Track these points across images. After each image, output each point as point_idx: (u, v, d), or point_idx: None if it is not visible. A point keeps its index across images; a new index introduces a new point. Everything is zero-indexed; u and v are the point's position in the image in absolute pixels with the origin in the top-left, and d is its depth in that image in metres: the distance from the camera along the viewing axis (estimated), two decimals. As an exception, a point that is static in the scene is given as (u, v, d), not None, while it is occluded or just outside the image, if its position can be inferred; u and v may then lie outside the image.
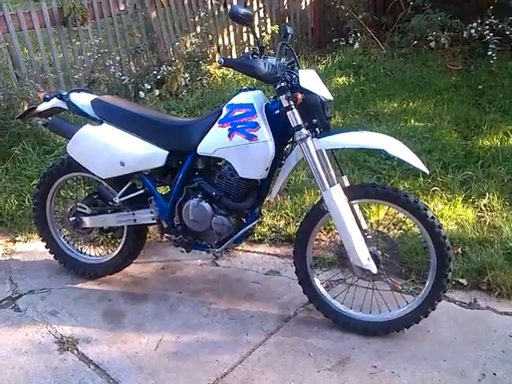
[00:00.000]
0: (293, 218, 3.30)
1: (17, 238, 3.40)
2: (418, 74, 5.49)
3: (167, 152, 2.52)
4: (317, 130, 2.28)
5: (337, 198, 2.25)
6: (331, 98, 2.33)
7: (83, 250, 2.99)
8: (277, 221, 3.30)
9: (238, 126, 2.33)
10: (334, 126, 4.21)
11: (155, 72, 5.14)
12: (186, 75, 5.16)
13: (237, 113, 2.34)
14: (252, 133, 2.31)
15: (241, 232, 2.50)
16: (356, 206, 2.40)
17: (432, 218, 2.27)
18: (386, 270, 2.40)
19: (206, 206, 2.48)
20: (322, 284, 2.52)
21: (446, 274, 2.29)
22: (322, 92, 2.28)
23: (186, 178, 2.53)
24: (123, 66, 5.16)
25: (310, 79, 2.28)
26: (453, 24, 5.83)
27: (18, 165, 3.94)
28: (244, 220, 2.55)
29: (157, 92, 4.98)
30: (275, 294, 2.73)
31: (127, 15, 5.16)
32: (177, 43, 5.37)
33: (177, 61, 5.10)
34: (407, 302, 2.40)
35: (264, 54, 2.28)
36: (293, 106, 2.24)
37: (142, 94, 4.95)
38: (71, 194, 3.06)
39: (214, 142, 2.40)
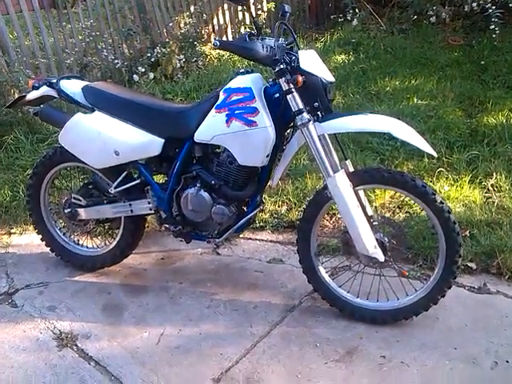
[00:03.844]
0: (295, 204, 3.21)
1: (12, 231, 3.32)
2: (418, 51, 5.34)
3: (163, 140, 2.42)
4: (318, 113, 2.19)
5: (341, 184, 2.16)
6: (333, 79, 2.22)
7: (80, 242, 2.91)
8: (278, 206, 3.21)
9: (236, 112, 2.23)
10: (335, 107, 4.09)
11: (149, 54, 5.00)
12: (181, 57, 5.02)
13: (234, 97, 2.24)
14: (251, 118, 2.21)
15: (242, 221, 2.42)
16: (361, 192, 2.32)
17: (441, 202, 2.18)
18: (392, 257, 2.32)
19: (205, 195, 2.39)
20: (327, 272, 2.44)
21: (456, 260, 2.21)
22: (324, 74, 2.18)
23: (184, 166, 2.44)
24: (116, 49, 5.01)
25: (310, 60, 2.17)
26: (453, -3, 5.66)
27: (10, 154, 3.84)
28: (245, 209, 2.46)
29: (151, 75, 4.84)
30: (279, 282, 2.66)
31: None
32: (170, 24, 5.21)
33: (171, 42, 4.95)
34: (416, 290, 2.32)
35: (261, 35, 2.17)
36: (293, 90, 2.14)
37: (136, 77, 4.82)
38: (66, 184, 2.96)
39: (212, 128, 2.30)
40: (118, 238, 2.75)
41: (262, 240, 3.03)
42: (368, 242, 2.18)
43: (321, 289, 2.41)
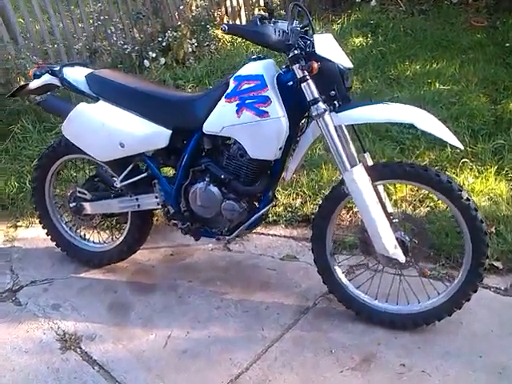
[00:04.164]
0: (310, 196, 3.06)
1: (18, 224, 3.23)
2: (440, 32, 5.10)
3: (170, 131, 2.28)
4: (335, 102, 2.03)
5: (359, 179, 2.01)
6: (351, 65, 2.06)
7: (87, 237, 2.80)
8: (292, 199, 3.07)
9: (247, 101, 2.08)
10: (352, 94, 3.92)
11: (160, 39, 4.84)
12: (193, 41, 4.86)
13: (245, 86, 2.09)
14: (263, 108, 2.06)
15: (253, 218, 2.28)
16: (380, 187, 2.17)
17: (467, 199, 2.02)
18: (414, 257, 2.17)
19: (215, 190, 2.26)
20: (343, 273, 2.30)
21: (483, 261, 2.05)
22: (341, 59, 2.02)
23: (192, 159, 2.30)
24: (126, 34, 4.87)
25: (326, 45, 2.01)
26: (477, -25, 5.40)
27: (17, 144, 3.73)
28: (257, 204, 2.33)
29: (162, 60, 4.69)
30: (292, 281, 2.53)
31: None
32: (181, 6, 5.03)
33: (182, 26, 4.78)
34: (438, 293, 2.17)
35: (274, 19, 2.01)
36: (308, 77, 1.98)
37: (146, 62, 4.67)
38: (72, 176, 2.85)
39: (221, 119, 2.16)
40: (124, 234, 2.63)
41: (275, 235, 2.90)
42: (388, 241, 2.04)
43: (337, 290, 2.28)
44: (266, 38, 1.93)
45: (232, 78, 2.14)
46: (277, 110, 2.05)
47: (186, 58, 4.78)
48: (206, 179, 2.27)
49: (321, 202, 2.26)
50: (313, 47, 1.99)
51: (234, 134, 2.16)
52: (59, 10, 4.51)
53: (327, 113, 2.00)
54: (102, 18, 4.60)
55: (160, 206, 2.43)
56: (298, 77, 2.00)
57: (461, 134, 3.35)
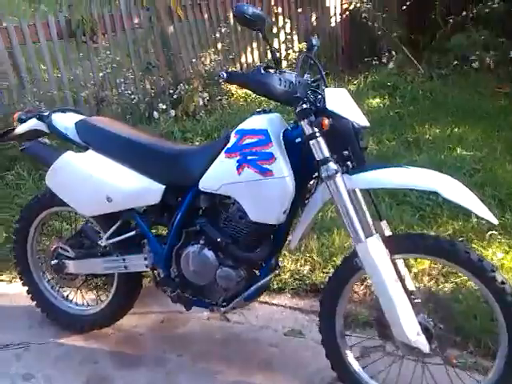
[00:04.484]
0: (319, 264, 2.77)
1: (1, 277, 2.96)
2: (461, 97, 4.96)
3: (163, 186, 2.05)
4: (348, 163, 1.79)
5: (375, 252, 1.74)
6: (367, 124, 1.83)
7: (69, 298, 2.52)
8: (300, 266, 2.77)
9: (249, 158, 1.85)
10: (368, 155, 3.70)
11: (171, 91, 4.72)
12: (205, 95, 4.73)
13: (248, 140, 1.87)
14: (266, 166, 1.82)
15: (252, 288, 2.00)
16: (400, 262, 1.88)
17: (502, 283, 1.72)
18: (439, 345, 1.85)
19: (210, 254, 1.99)
20: (356, 359, 1.98)
21: (522, 358, 1.73)
22: (356, 116, 1.79)
23: (186, 218, 2.05)
24: (137, 85, 4.76)
25: (339, 100, 1.79)
26: (497, 43, 5.30)
27: (9, 191, 3.53)
28: (257, 273, 2.05)
29: (172, 112, 4.55)
30: (297, 362, 2.20)
31: (142, 30, 4.77)
32: (195, 60, 4.95)
33: (194, 79, 4.66)
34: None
35: (280, 69, 1.80)
36: (318, 134, 1.75)
37: (156, 114, 4.53)
38: (56, 231, 2.61)
39: (220, 175, 1.92)
40: (110, 297, 2.35)
41: (280, 305, 2.58)
42: (409, 327, 1.73)
43: (348, 380, 1.95)
44: (269, 87, 1.71)
45: (233, 132, 1.93)
46: (281, 168, 1.81)
47: (196, 111, 4.64)
48: (201, 242, 2.01)
49: (330, 275, 1.97)
50: (324, 102, 1.77)
51: (233, 193, 1.92)
52: (68, 57, 4.43)
53: (339, 174, 1.75)
54: (110, 66, 4.49)
55: (149, 269, 2.16)
56: (307, 133, 1.77)
57: (486, 203, 3.02)
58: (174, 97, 4.67)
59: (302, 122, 1.78)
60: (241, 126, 1.92)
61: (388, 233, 1.90)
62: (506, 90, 5.19)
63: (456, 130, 4.25)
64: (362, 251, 1.75)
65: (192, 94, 4.54)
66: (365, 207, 1.89)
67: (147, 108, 4.53)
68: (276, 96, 1.75)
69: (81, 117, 2.26)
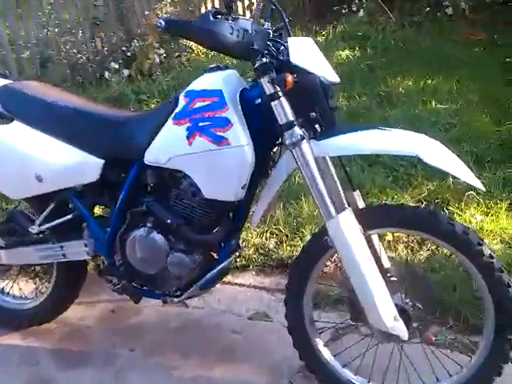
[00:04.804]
0: (286, 236, 2.54)
1: None
2: (434, 46, 4.69)
3: (102, 161, 1.76)
4: (316, 127, 1.53)
5: (347, 229, 1.50)
6: (337, 79, 1.57)
7: (6, 290, 2.23)
8: (265, 239, 2.54)
9: (201, 124, 1.58)
10: (338, 113, 3.44)
11: (124, 48, 4.32)
12: (161, 51, 4.35)
13: (199, 104, 1.59)
14: (221, 134, 1.55)
15: (209, 275, 1.75)
16: (375, 237, 1.66)
17: (490, 257, 1.52)
18: (419, 328, 1.66)
19: (159, 238, 1.73)
20: (326, 346, 1.78)
21: (509, 337, 1.55)
22: (324, 71, 1.53)
23: (131, 198, 1.77)
24: (87, 43, 4.34)
25: (305, 52, 1.52)
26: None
27: None
28: (215, 256, 1.80)
29: (125, 72, 4.18)
30: (262, 350, 1.98)
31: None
32: (148, 13, 4.53)
33: (149, 34, 4.27)
34: (450, 374, 1.66)
35: (233, 15, 1.50)
36: (280, 94, 1.48)
37: (107, 74, 4.15)
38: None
39: (167, 146, 1.65)
40: (50, 289, 2.08)
41: (243, 285, 2.36)
42: (385, 313, 1.52)
43: (318, 370, 1.74)
44: (217, 37, 1.42)
45: (182, 94, 1.64)
46: (239, 136, 1.55)
47: (152, 69, 4.26)
48: (148, 224, 1.74)
49: (296, 255, 1.73)
50: (287, 55, 1.49)
51: (183, 167, 1.65)
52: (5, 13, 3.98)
53: (305, 141, 1.50)
54: (56, 22, 4.06)
55: (90, 257, 1.89)
56: (268, 93, 1.50)
57: (463, 161, 2.85)
58: (128, 55, 4.28)
59: (262, 80, 1.51)
60: (191, 87, 1.64)
61: (361, 205, 1.68)
62: (480, 37, 4.94)
63: (430, 81, 4.00)
64: (332, 228, 1.51)
65: (146, 50, 4.16)
66: (336, 177, 1.66)
67: (98, 68, 4.13)
68: (227, 48, 1.45)
69: (5, 81, 1.93)
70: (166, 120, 1.64)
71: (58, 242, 1.92)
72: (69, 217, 1.87)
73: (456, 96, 3.71)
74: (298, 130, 1.49)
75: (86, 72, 4.10)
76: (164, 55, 4.39)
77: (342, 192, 1.65)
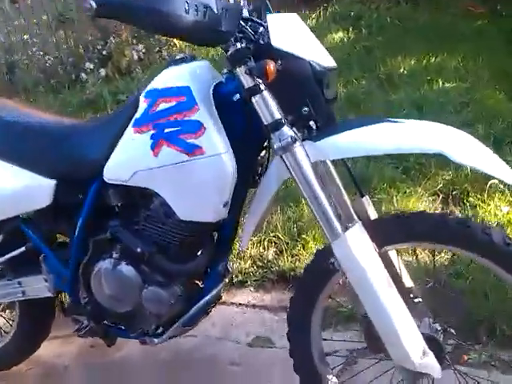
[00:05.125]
0: (287, 244, 2.24)
1: None
2: (433, 21, 4.38)
3: (54, 181, 1.45)
4: (311, 124, 1.22)
5: (358, 250, 1.19)
6: (333, 63, 1.26)
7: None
8: (263, 249, 2.24)
9: (167, 131, 1.27)
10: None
11: (99, 47, 4.00)
12: (140, 47, 4.02)
13: (162, 105, 1.28)
14: (192, 141, 1.25)
15: (194, 308, 1.45)
16: (392, 252, 1.35)
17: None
18: (451, 357, 1.36)
19: (128, 270, 1.42)
20: (339, 375, 1.48)
21: None
22: (316, 54, 1.22)
23: (92, 223, 1.46)
24: (59, 44, 4.02)
25: (289, 32, 1.22)
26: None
27: None
28: (200, 284, 1.50)
29: (102, 72, 3.85)
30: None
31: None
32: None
33: (124, 29, 3.94)
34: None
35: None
36: (262, 87, 1.17)
37: (83, 75, 3.82)
38: None
39: (129, 159, 1.35)
40: (14, 329, 1.78)
41: (241, 305, 2.06)
42: (411, 347, 1.21)
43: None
44: (167, 19, 1.05)
45: (142, 95, 1.33)
46: (214, 142, 1.24)
47: (131, 67, 3.93)
48: (114, 254, 1.43)
49: (297, 282, 1.43)
50: (267, 36, 1.18)
51: (150, 184, 1.34)
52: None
53: (298, 143, 1.19)
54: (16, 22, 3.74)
55: (52, 294, 1.59)
56: (246, 86, 1.19)
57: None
58: (103, 53, 3.95)
59: (238, 71, 1.19)
60: (152, 85, 1.33)
61: (372, 213, 1.37)
62: (480, 10, 4.61)
63: (433, 59, 3.68)
64: (339, 250, 1.20)
65: (122, 47, 3.83)
66: (339, 183, 1.36)
67: (73, 70, 3.82)
68: (183, 32, 1.10)
69: None
70: (126, 127, 1.34)
71: (14, 278, 1.62)
72: (22, 249, 1.57)
73: (464, 73, 3.40)
74: (287, 131, 1.18)
75: (59, 75, 3.77)
76: (143, 51, 4.06)
77: (348, 201, 1.35)
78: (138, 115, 1.32)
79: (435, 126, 1.23)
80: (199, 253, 1.41)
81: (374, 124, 1.22)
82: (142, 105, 1.31)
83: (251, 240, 2.24)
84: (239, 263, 2.17)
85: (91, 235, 1.46)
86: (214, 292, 1.47)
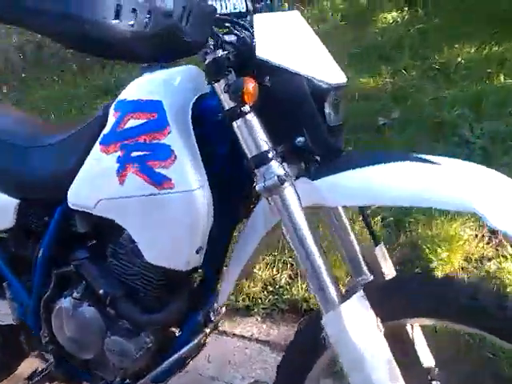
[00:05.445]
0: (302, 268, 1.95)
1: None
2: (500, 1, 3.84)
3: (17, 201, 1.24)
4: (309, 159, 0.94)
5: (354, 329, 0.91)
6: (342, 79, 0.96)
7: None
8: (277, 271, 1.97)
9: (135, 155, 1.03)
10: (380, 92, 2.80)
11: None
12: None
13: (131, 122, 1.04)
14: (160, 171, 1.00)
15: (165, 364, 1.20)
16: (412, 328, 1.06)
17: None
18: None
19: (90, 313, 1.20)
20: None
21: None
22: (317, 67, 0.93)
23: (56, 252, 1.24)
24: None
25: (283, 37, 0.93)
26: None
27: None
28: (176, 332, 1.25)
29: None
30: None
31: None
32: None
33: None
34: None
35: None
36: (245, 109, 0.90)
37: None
38: None
39: (94, 184, 1.12)
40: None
41: (243, 337, 1.81)
42: None
43: None
44: (82, 27, 0.74)
45: (112, 107, 1.08)
46: (186, 174, 0.99)
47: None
48: (76, 292, 1.21)
49: (287, 348, 1.15)
50: (250, 43, 0.90)
51: (116, 215, 1.10)
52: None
53: (288, 183, 0.91)
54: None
55: (15, 323, 1.39)
56: (226, 108, 0.92)
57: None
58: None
59: (216, 86, 0.92)
60: (122, 95, 1.08)
61: (388, 268, 1.08)
62: None
63: (495, 48, 3.22)
64: (331, 326, 0.92)
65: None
66: (347, 223, 1.08)
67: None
68: (110, 48, 0.78)
69: None
70: (94, 143, 1.10)
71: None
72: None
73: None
74: (275, 168, 0.91)
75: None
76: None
77: (358, 250, 1.08)
78: (105, 130, 1.08)
79: (470, 170, 0.92)
80: (171, 302, 1.16)
81: (389, 162, 0.92)
82: (111, 119, 1.07)
83: (263, 259, 1.97)
84: (248, 286, 1.91)
85: (54, 266, 1.25)
86: (191, 345, 1.22)
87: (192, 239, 1.02)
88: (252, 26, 0.90)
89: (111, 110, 1.08)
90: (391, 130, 2.53)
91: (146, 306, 1.16)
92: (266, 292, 1.91)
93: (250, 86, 0.85)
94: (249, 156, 0.92)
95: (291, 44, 0.92)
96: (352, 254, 1.11)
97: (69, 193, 1.14)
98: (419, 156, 0.95)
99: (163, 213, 1.02)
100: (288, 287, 1.90)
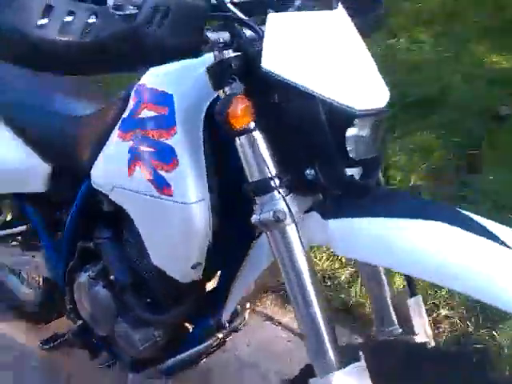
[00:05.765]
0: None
1: None
2: None
3: (49, 167, 1.23)
4: (324, 193, 0.78)
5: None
6: (379, 103, 0.76)
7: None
8: (338, 266, 1.80)
9: (143, 149, 0.94)
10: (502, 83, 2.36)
11: None
12: None
13: (145, 113, 0.95)
14: (162, 174, 0.91)
15: (174, 360, 1.15)
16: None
17: None
18: None
19: (104, 294, 1.17)
20: None
21: None
22: (345, 85, 0.74)
23: (81, 224, 1.22)
24: None
25: (299, 43, 0.75)
26: None
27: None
28: (190, 328, 1.19)
29: None
30: None
31: None
32: None
33: None
34: None
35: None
36: (251, 125, 0.75)
37: None
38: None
39: (110, 170, 1.07)
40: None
41: (288, 328, 1.70)
42: None
43: None
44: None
45: (134, 89, 0.99)
46: (185, 185, 0.89)
47: None
48: (93, 270, 1.18)
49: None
50: (259, 47, 0.73)
51: (127, 205, 1.03)
52: None
53: (289, 220, 0.75)
54: None
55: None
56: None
57: None
58: None
59: (221, 94, 0.78)
60: (143, 79, 0.98)
61: (422, 330, 0.91)
62: None
63: None
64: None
65: None
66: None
67: None
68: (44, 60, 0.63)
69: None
70: (115, 125, 1.02)
71: (28, 251, 1.48)
72: (22, 228, 1.41)
73: None
74: (276, 200, 0.77)
75: None
76: None
77: (389, 299, 0.91)
78: (125, 115, 1.00)
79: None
80: (177, 304, 1.08)
81: (433, 220, 0.71)
82: (131, 103, 0.99)
83: (325, 252, 1.81)
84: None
85: (79, 238, 1.23)
86: (200, 347, 1.15)
87: (187, 254, 0.93)
88: (258, 26, 0.72)
89: (132, 93, 0.99)
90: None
91: (151, 303, 1.11)
92: (323, 286, 1.77)
93: (239, 107, 0.70)
94: (249, 180, 0.78)
95: (314, 54, 0.73)
96: (380, 299, 0.94)
97: (92, 171, 1.10)
98: (466, 213, 0.73)
99: (161, 219, 0.94)
100: (347, 286, 1.74)
